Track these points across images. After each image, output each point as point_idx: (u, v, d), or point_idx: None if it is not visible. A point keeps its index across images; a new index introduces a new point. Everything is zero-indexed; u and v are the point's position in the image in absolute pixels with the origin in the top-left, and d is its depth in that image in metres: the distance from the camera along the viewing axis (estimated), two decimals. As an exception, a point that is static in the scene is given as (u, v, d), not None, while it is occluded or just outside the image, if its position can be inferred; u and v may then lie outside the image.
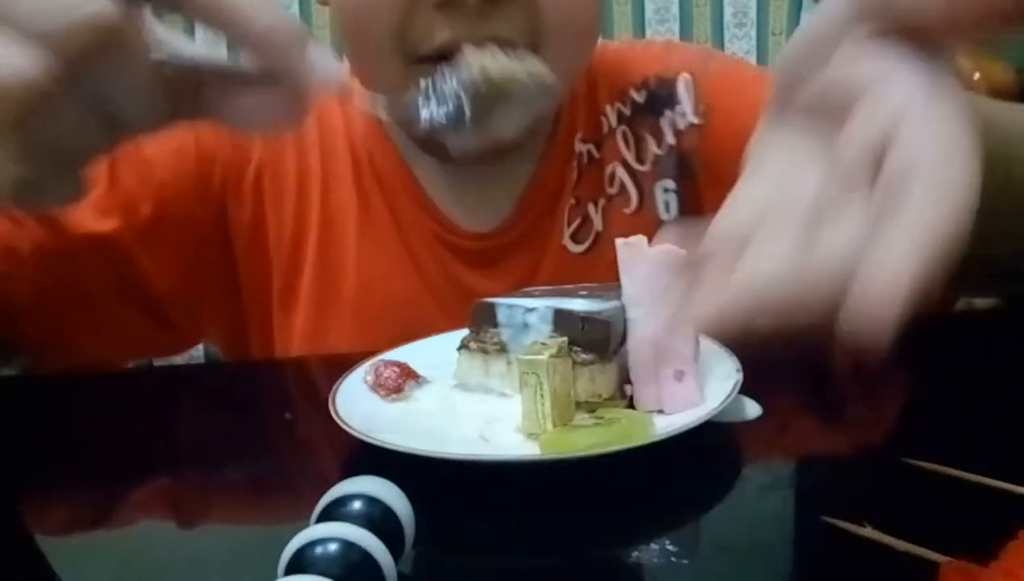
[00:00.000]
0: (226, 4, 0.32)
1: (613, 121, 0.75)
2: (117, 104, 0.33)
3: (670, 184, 0.74)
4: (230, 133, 0.67)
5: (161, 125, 0.35)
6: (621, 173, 0.74)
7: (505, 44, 0.55)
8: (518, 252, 0.73)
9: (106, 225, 0.65)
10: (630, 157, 0.74)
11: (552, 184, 0.74)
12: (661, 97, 0.75)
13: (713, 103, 0.73)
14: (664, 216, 0.74)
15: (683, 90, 0.74)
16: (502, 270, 0.73)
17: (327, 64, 0.34)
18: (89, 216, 0.65)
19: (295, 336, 0.72)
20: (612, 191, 0.74)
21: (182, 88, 0.35)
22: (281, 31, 0.33)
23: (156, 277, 0.68)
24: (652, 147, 0.74)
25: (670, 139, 0.74)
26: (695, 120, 0.74)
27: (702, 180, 0.73)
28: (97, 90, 0.32)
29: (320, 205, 0.72)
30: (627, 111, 0.75)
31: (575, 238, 0.73)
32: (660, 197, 0.74)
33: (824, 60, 0.32)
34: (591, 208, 0.73)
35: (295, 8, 1.90)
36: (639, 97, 0.75)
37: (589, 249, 0.73)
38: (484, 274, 0.73)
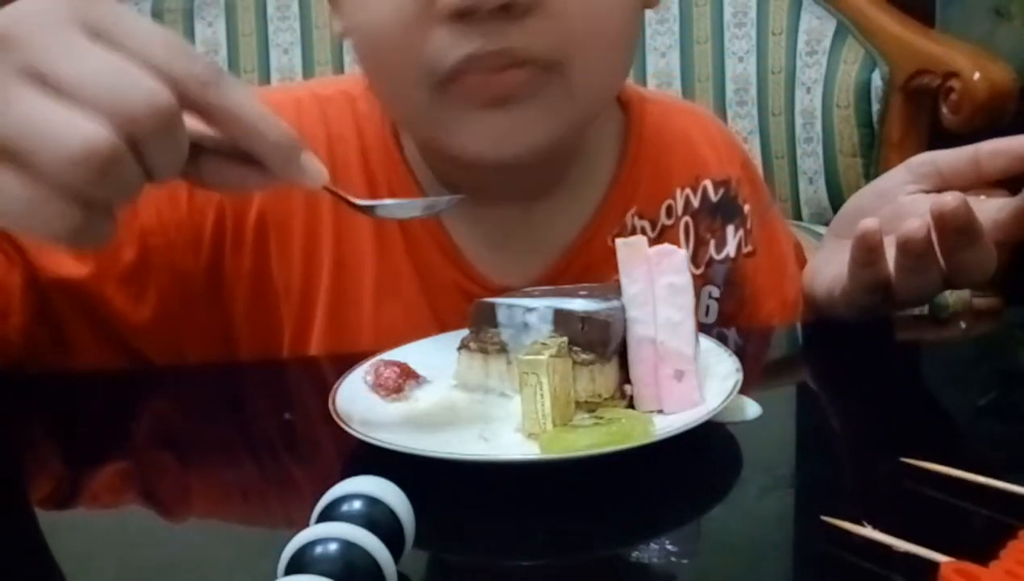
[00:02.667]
0: (243, 121, 0.39)
1: (679, 209, 0.70)
2: (156, 167, 0.38)
3: (715, 291, 0.71)
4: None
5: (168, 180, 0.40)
6: None
7: (524, 61, 0.54)
8: None
9: (81, 270, 0.62)
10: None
11: (596, 250, 0.67)
12: (735, 206, 0.73)
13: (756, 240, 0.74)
14: (703, 318, 0.71)
15: (748, 211, 0.73)
16: None
17: (314, 169, 0.41)
18: (67, 259, 0.62)
19: (310, 343, 0.67)
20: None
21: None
22: (284, 145, 0.40)
23: (134, 319, 0.64)
24: (712, 251, 0.71)
25: (731, 250, 0.72)
26: (749, 248, 0.73)
27: (741, 301, 0.72)
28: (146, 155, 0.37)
29: (332, 253, 0.66)
30: (696, 203, 0.71)
31: None
32: (704, 300, 0.71)
33: (886, 203, 0.60)
34: None
35: (295, 8, 1.90)
36: (714, 195, 0.71)
37: None
38: None
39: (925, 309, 0.67)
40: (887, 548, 0.34)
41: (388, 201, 0.50)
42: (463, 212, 0.65)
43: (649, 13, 1.87)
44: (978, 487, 0.38)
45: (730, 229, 0.72)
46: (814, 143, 1.81)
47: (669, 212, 0.70)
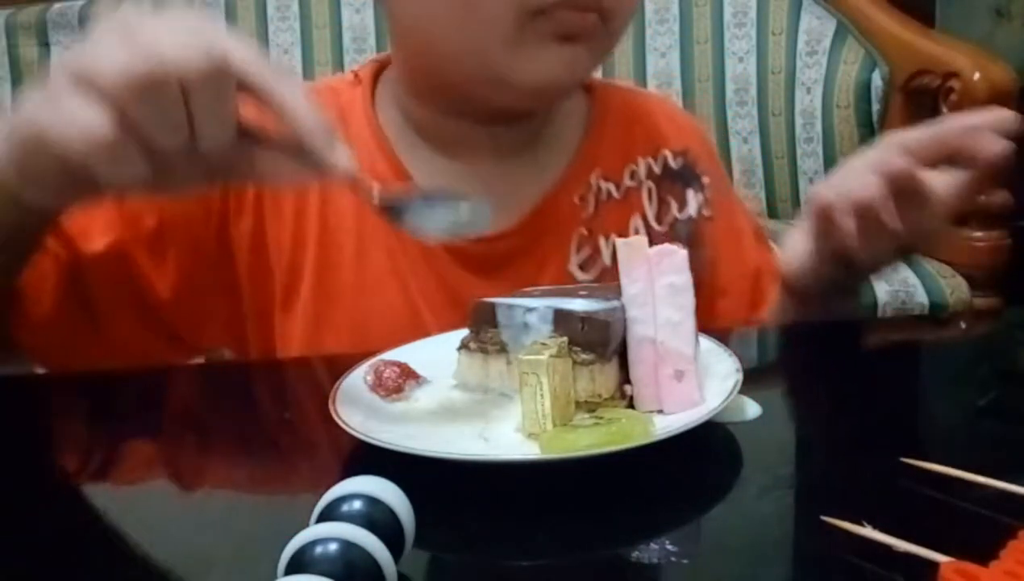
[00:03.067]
0: (289, 105, 0.46)
1: (643, 174, 0.77)
2: (201, 122, 0.45)
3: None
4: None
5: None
6: (638, 224, 0.76)
7: (598, 5, 0.64)
8: (516, 262, 0.74)
9: (111, 237, 0.67)
10: (650, 213, 0.77)
11: (564, 208, 0.75)
12: (694, 173, 0.79)
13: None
14: None
15: (707, 182, 0.80)
16: (498, 277, 0.73)
17: (346, 159, 0.47)
18: (96, 232, 0.67)
19: (294, 343, 0.72)
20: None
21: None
22: (322, 131, 0.46)
23: (160, 286, 0.69)
24: (674, 211, 0.77)
25: (692, 211, 0.78)
26: (708, 213, 0.79)
27: (704, 262, 0.76)
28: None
29: (318, 214, 0.73)
30: (658, 170, 0.78)
31: (583, 267, 0.75)
32: None
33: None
34: (602, 242, 0.75)
35: (295, 8, 1.91)
36: (674, 163, 0.79)
37: (595, 280, 0.74)
38: (479, 279, 0.73)
39: (925, 309, 0.68)
40: (887, 548, 0.34)
41: (412, 199, 0.51)
42: (436, 168, 0.74)
43: (649, 13, 1.88)
44: (978, 487, 0.38)
45: (690, 193, 0.78)
46: (814, 143, 1.82)
47: (633, 176, 0.77)
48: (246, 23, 1.98)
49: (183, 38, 0.44)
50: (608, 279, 0.73)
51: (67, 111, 0.45)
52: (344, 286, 0.72)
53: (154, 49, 0.44)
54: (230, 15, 1.98)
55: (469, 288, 0.70)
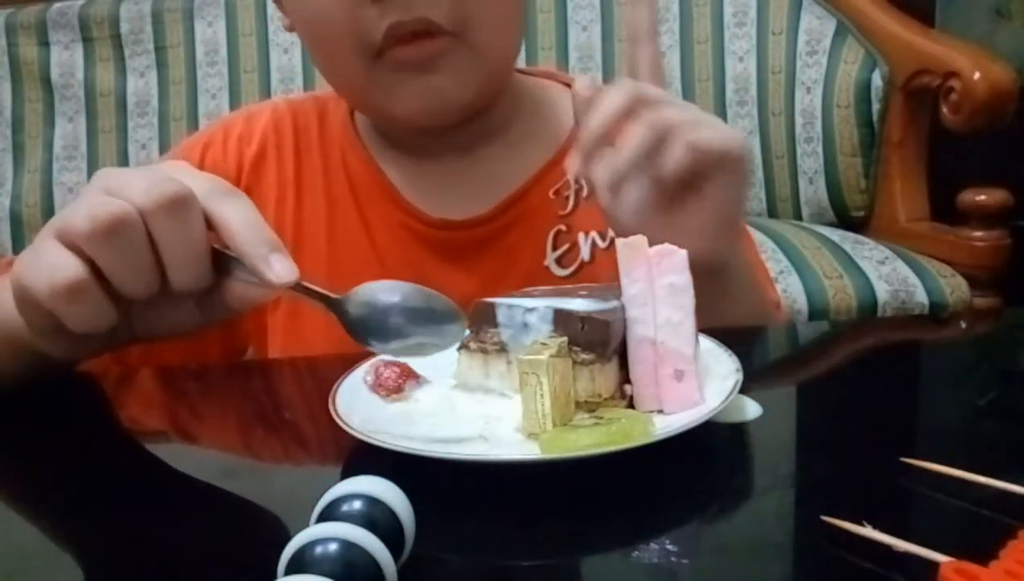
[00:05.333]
0: (230, 223, 0.48)
1: None
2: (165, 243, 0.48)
3: None
4: (224, 171, 0.78)
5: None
6: None
7: (434, 28, 0.65)
8: (486, 251, 0.75)
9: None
10: None
11: (538, 201, 0.76)
12: None
13: None
14: None
15: None
16: (467, 265, 0.74)
17: (286, 271, 0.48)
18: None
19: (278, 334, 0.75)
20: (610, 234, 0.75)
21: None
22: (260, 244, 0.48)
23: None
24: None
25: None
26: None
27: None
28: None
29: (293, 212, 0.78)
30: None
31: (560, 262, 0.76)
32: None
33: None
34: (581, 238, 0.76)
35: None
36: None
37: (572, 275, 0.75)
38: (448, 265, 0.74)
39: (925, 309, 0.67)
40: (887, 548, 0.34)
41: (372, 310, 0.50)
42: (405, 163, 0.78)
43: (649, 13, 1.88)
44: (978, 487, 0.38)
45: None
46: (814, 143, 1.81)
47: None
48: (246, 23, 1.98)
49: (147, 181, 0.47)
50: (586, 276, 0.74)
51: (41, 258, 0.48)
52: (318, 281, 0.72)
53: (119, 193, 0.47)
54: (230, 15, 1.98)
55: (438, 273, 0.73)
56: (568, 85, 0.81)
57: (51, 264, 0.47)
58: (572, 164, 0.60)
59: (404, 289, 0.50)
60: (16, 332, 0.54)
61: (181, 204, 0.48)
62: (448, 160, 0.77)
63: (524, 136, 0.78)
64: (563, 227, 0.76)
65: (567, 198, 0.76)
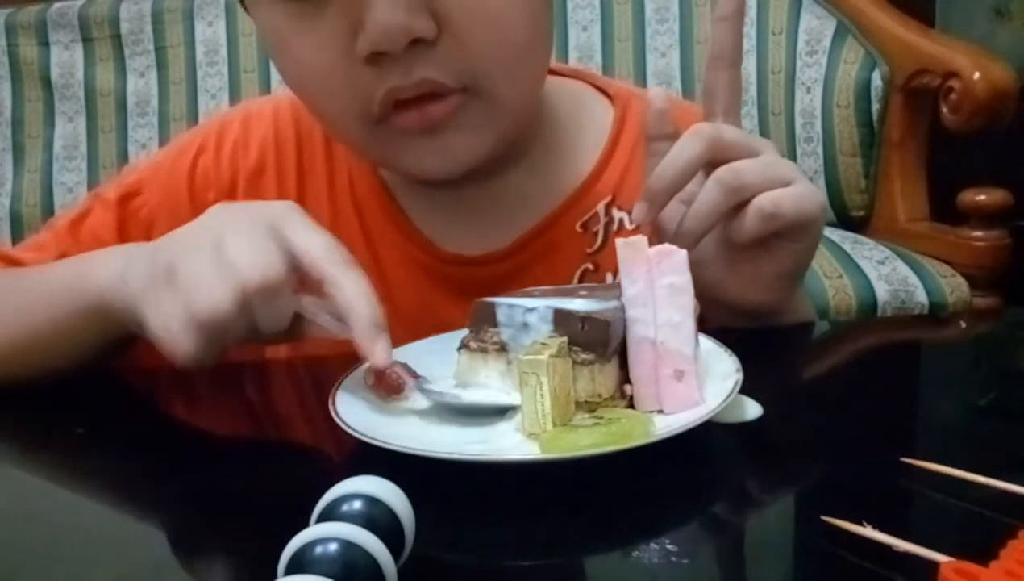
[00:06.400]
0: (346, 296, 0.51)
1: None
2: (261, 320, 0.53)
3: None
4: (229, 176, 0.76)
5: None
6: None
7: (440, 89, 0.58)
8: (506, 289, 0.64)
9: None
10: None
11: (563, 236, 0.70)
12: None
13: None
14: None
15: None
16: None
17: (383, 354, 0.49)
18: None
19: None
20: None
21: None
22: (370, 323, 0.50)
23: None
24: None
25: None
26: None
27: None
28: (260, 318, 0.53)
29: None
30: None
31: None
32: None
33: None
34: (609, 278, 0.70)
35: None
36: None
37: None
38: (465, 306, 0.62)
39: (925, 309, 0.67)
40: (887, 548, 0.34)
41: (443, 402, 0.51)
42: (419, 191, 0.71)
43: (649, 13, 1.88)
44: (978, 487, 0.38)
45: None
46: (814, 143, 1.81)
47: None
48: (246, 23, 1.98)
49: (259, 257, 0.51)
50: None
51: (164, 323, 0.52)
52: None
53: (238, 279, 0.50)
54: (230, 15, 1.98)
55: (450, 312, 0.66)
56: (601, 89, 0.76)
57: (172, 336, 0.52)
58: (638, 212, 0.56)
59: None
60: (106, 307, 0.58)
61: (273, 293, 0.51)
62: (466, 186, 0.68)
63: (551, 153, 0.72)
64: (590, 266, 0.69)
65: (596, 233, 0.70)
